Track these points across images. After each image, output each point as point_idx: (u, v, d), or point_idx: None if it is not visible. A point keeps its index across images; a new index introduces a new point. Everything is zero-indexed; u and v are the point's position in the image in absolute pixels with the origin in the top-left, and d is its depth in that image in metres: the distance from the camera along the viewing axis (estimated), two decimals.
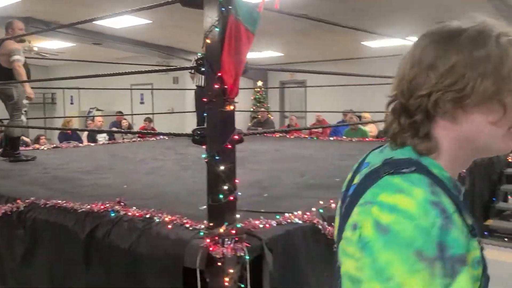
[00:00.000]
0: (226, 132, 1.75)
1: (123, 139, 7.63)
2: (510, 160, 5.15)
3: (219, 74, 1.70)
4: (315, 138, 6.73)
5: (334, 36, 8.52)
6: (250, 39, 1.81)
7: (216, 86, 1.72)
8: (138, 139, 6.98)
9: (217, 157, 1.74)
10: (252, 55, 10.94)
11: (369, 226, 0.65)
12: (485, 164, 4.47)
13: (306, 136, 6.86)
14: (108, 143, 7.08)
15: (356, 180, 0.80)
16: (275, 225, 2.05)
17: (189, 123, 10.23)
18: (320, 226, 2.21)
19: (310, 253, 2.17)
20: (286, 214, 2.15)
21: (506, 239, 4.32)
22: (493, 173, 4.65)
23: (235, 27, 1.73)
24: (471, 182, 4.07)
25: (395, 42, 8.45)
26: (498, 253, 4.00)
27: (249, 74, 12.51)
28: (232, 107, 1.76)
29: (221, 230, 1.74)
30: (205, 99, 1.79)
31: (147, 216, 2.13)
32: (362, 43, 9.04)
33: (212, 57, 1.73)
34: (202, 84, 6.36)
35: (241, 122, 12.15)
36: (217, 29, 1.72)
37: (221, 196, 1.74)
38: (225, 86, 1.72)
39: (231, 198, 1.77)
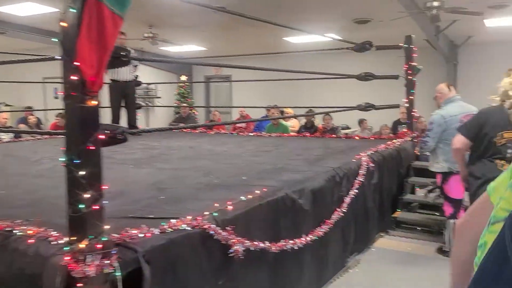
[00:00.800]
0: (88, 131, 1.51)
1: (32, 136, 6.97)
2: (417, 153, 5.36)
3: (76, 63, 1.46)
4: (235, 134, 6.60)
5: (257, 31, 8.43)
6: (118, 24, 1.58)
7: (73, 77, 1.47)
8: (45, 136, 6.40)
9: (76, 161, 1.49)
10: (174, 49, 10.58)
11: None
12: (394, 158, 4.58)
13: (227, 132, 6.70)
14: (10, 142, 6.43)
15: None
16: (158, 233, 1.84)
17: (107, 119, 9.66)
18: (211, 232, 2.04)
19: (199, 262, 1.99)
20: (173, 220, 1.95)
21: (413, 230, 4.45)
22: (401, 167, 4.78)
23: (96, 9, 1.49)
24: (380, 176, 4.14)
25: (315, 38, 8.54)
26: (405, 244, 4.11)
27: (173, 68, 12.11)
28: (95, 102, 1.52)
29: (83, 245, 1.50)
30: (71, 93, 1.55)
31: (8, 229, 1.83)
32: (283, 38, 9.04)
33: (68, 44, 1.48)
34: (117, 78, 5.97)
35: (165, 117, 11.73)
36: (73, 11, 1.47)
37: (82, 205, 1.50)
38: (85, 78, 1.48)
39: (96, 207, 1.53)
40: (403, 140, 5.12)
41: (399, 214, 4.59)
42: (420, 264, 3.65)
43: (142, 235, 1.79)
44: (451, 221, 3.69)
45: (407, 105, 5.50)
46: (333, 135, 6.74)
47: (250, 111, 9.51)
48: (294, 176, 3.18)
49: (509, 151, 2.70)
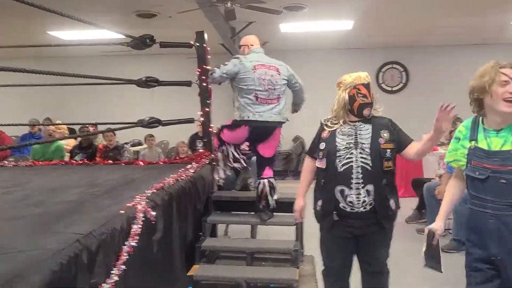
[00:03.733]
0: None
1: None
2: (217, 178, 4.29)
3: None
4: None
5: (10, 20, 6.30)
6: None
7: None
8: None
9: None
10: None
11: None
12: (187, 193, 3.35)
13: None
14: None
15: None
16: None
17: None
18: None
19: None
20: None
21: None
22: (198, 202, 3.61)
23: None
24: (167, 226, 2.85)
25: (91, 35, 6.86)
26: None
27: None
28: None
29: None
30: None
31: None
32: (48, 32, 7.03)
33: None
34: None
35: None
36: None
37: None
38: None
39: None
40: (199, 164, 3.95)
41: (196, 269, 3.37)
42: None
43: None
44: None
45: (202, 118, 4.39)
46: (115, 159, 5.21)
47: (7, 129, 7.14)
48: None
49: None
